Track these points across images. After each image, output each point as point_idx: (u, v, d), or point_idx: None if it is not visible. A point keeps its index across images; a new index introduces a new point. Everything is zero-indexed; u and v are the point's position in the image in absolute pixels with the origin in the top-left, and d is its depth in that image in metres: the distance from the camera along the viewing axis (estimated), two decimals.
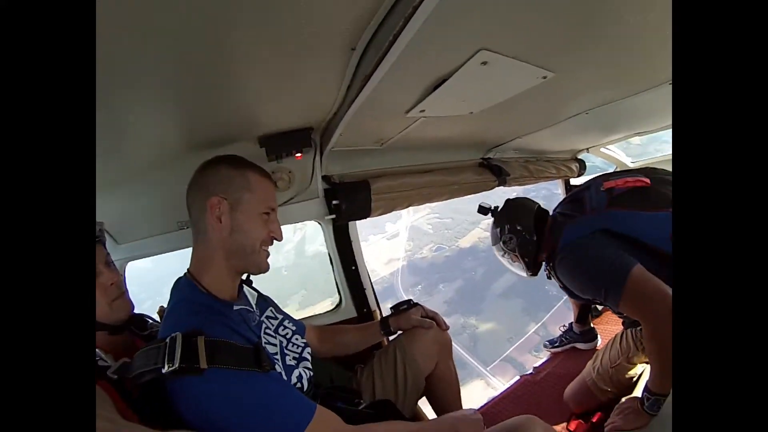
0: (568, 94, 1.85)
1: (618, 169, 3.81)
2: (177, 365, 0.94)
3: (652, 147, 3.80)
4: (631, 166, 3.75)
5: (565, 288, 1.92)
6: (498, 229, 2.25)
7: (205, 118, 1.31)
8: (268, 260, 1.32)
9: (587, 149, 3.63)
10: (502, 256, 2.29)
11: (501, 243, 2.21)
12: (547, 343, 3.08)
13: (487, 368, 32.85)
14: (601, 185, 1.85)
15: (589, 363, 2.15)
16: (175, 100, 1.12)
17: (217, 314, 1.13)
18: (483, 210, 2.43)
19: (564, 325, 3.05)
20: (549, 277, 2.11)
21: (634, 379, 1.95)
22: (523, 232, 2.11)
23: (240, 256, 1.24)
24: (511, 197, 2.34)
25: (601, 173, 2.02)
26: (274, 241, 1.32)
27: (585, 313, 2.88)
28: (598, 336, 2.87)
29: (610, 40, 1.25)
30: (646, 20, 1.12)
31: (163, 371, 0.95)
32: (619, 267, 1.57)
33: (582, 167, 3.70)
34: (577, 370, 2.22)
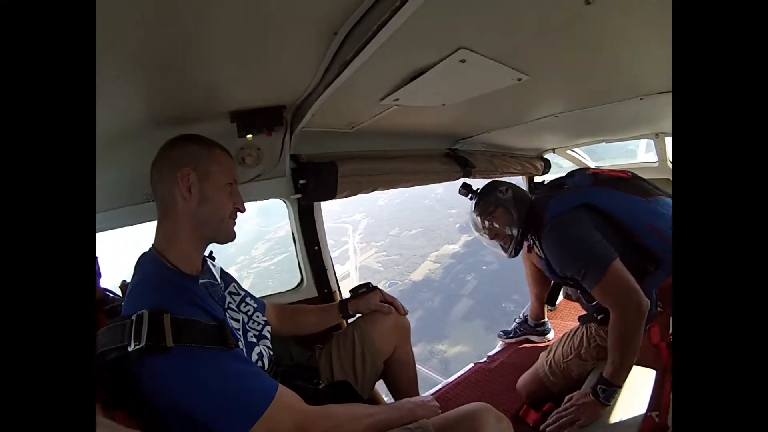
0: (540, 97, 1.91)
1: None
2: (143, 343, 0.93)
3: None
4: None
5: (546, 263, 1.98)
6: (481, 209, 2.18)
7: (176, 91, 1.28)
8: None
9: (553, 150, 3.73)
10: (486, 235, 2.22)
11: (486, 221, 2.16)
12: (501, 333, 3.17)
13: None
14: (587, 170, 2.01)
15: (543, 354, 2.22)
16: (145, 72, 1.08)
17: (182, 290, 1.12)
18: (466, 189, 2.31)
19: (519, 317, 3.14)
20: (529, 251, 2.17)
21: (584, 375, 2.01)
22: (507, 209, 2.09)
23: (209, 226, 1.24)
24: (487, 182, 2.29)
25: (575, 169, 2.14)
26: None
27: (541, 308, 2.98)
28: (552, 330, 3.00)
29: (586, 51, 1.29)
30: (624, 38, 1.17)
31: (129, 349, 0.94)
32: (601, 256, 1.67)
33: (547, 166, 3.80)
34: (529, 360, 2.30)
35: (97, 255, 1.32)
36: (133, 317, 0.97)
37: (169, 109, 1.41)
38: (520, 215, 2.06)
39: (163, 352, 0.95)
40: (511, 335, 3.10)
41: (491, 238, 2.20)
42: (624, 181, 1.93)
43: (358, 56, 1.01)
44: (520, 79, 1.40)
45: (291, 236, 2.30)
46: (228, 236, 1.30)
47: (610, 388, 1.56)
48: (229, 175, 1.29)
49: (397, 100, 1.50)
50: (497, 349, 3.12)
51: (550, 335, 2.99)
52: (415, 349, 1.84)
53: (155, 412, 1.01)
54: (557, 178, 2.16)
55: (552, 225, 1.85)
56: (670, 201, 1.79)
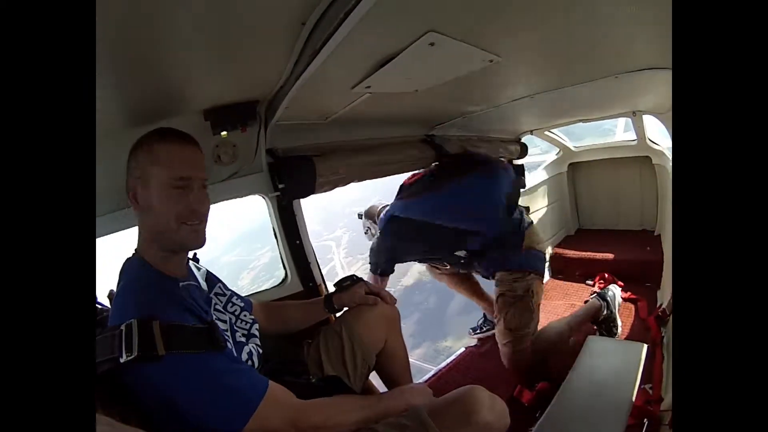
0: (514, 79, 1.91)
1: (561, 153, 4.20)
2: (135, 354, 0.93)
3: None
4: (574, 150, 3.98)
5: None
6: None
7: (146, 92, 1.25)
8: (205, 232, 1.23)
9: (531, 131, 3.77)
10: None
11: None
12: (470, 330, 3.29)
13: None
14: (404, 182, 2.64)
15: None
16: (112, 72, 1.04)
17: (167, 293, 1.10)
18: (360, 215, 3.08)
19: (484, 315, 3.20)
20: None
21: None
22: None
23: (162, 236, 1.17)
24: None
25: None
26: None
27: (487, 304, 3.12)
28: None
29: (557, 29, 1.29)
30: (594, 12, 1.17)
31: (122, 360, 0.93)
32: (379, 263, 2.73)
33: (524, 149, 3.84)
34: None
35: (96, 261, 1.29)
36: (122, 327, 0.96)
37: (139, 110, 1.38)
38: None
39: (154, 360, 0.94)
40: (478, 331, 3.21)
41: None
42: (421, 180, 2.57)
43: (327, 44, 1.01)
44: (492, 61, 1.40)
45: (276, 262, 2.29)
46: (184, 245, 1.20)
47: None
48: (172, 173, 1.14)
49: (369, 87, 1.49)
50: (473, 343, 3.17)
51: None
52: (421, 350, 1.85)
53: (149, 416, 1.01)
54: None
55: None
56: (469, 179, 2.41)
